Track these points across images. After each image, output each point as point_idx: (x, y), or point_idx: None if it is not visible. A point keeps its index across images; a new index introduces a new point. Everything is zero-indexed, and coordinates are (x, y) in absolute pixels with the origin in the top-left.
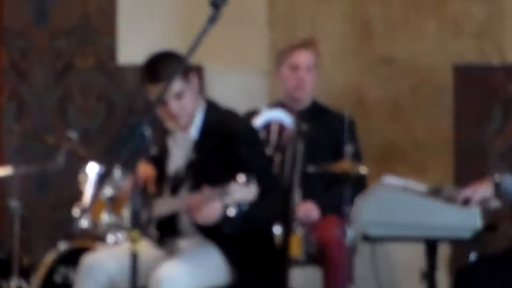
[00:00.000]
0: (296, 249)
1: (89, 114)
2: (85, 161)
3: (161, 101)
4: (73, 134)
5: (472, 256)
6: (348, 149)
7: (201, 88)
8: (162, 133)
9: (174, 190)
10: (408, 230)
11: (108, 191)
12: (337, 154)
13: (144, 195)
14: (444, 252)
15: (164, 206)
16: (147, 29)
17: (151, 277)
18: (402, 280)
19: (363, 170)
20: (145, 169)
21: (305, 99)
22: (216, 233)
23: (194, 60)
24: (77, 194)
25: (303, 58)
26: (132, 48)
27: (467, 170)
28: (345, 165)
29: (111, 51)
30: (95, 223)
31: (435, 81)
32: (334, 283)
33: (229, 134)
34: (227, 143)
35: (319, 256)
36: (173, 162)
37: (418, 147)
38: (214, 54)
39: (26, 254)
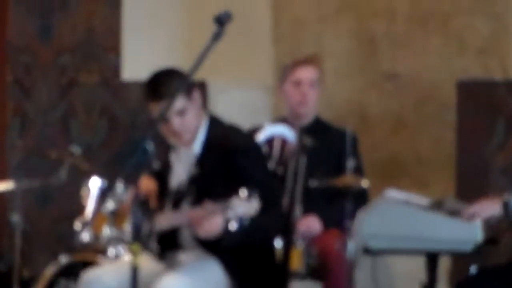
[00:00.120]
0: (297, 262)
1: (92, 129)
2: (87, 176)
3: (163, 118)
4: (76, 149)
5: (473, 269)
6: (350, 163)
7: (204, 104)
8: (165, 148)
9: (176, 205)
10: (410, 243)
11: (110, 205)
12: (339, 169)
13: (146, 209)
14: (444, 264)
15: (165, 220)
16: (152, 46)
17: None
18: None
19: (364, 184)
20: (147, 183)
21: (308, 114)
22: (217, 247)
23: (198, 75)
24: (79, 208)
25: (306, 74)
26: (136, 64)
27: (469, 185)
28: (346, 179)
29: (116, 68)
30: (96, 236)
31: (439, 96)
32: None
33: (231, 149)
34: (229, 157)
35: (319, 269)
36: (175, 177)
37: (421, 162)
38: (218, 70)
39: (27, 267)
